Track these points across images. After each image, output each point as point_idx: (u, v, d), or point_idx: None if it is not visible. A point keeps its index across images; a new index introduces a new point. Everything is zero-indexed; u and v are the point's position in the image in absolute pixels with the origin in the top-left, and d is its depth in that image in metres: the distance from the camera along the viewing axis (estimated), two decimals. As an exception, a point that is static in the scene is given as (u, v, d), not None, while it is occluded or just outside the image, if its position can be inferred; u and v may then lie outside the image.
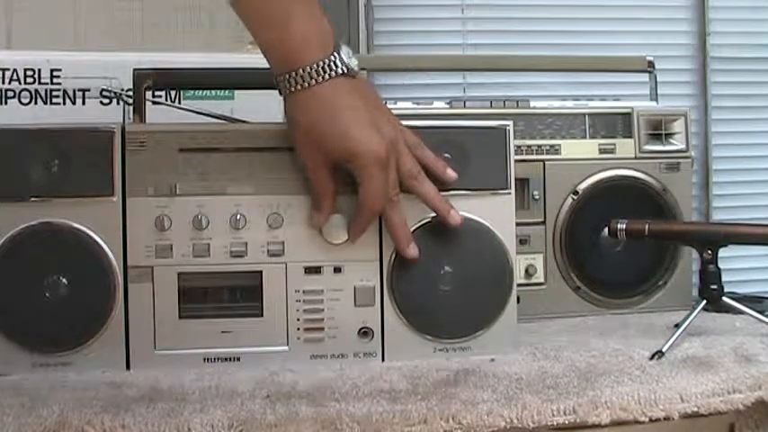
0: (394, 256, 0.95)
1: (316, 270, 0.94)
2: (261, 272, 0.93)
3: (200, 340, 0.92)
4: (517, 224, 1.21)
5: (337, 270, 0.94)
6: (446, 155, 0.97)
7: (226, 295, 0.93)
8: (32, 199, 0.90)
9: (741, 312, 1.04)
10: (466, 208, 0.96)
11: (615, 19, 1.77)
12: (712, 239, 1.04)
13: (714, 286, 1.02)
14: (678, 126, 1.27)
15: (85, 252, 0.91)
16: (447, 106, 1.24)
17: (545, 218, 1.22)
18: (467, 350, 0.97)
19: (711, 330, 1.05)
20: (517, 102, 1.25)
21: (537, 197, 1.22)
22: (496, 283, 0.98)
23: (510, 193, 0.99)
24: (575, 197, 1.22)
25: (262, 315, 0.93)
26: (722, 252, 1.03)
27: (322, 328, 0.94)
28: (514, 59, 1.49)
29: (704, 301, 1.02)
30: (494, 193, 0.98)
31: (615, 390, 0.83)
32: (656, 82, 1.36)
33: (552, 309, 1.21)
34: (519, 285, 1.20)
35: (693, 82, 1.80)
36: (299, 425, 0.76)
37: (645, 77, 1.37)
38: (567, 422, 0.80)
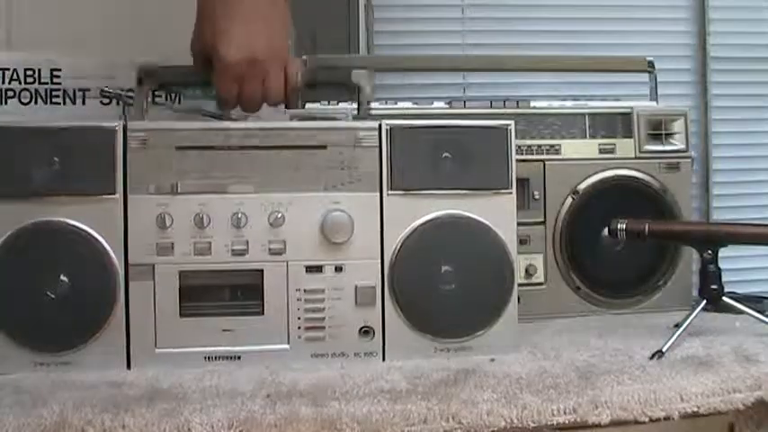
0: (395, 255, 0.95)
1: (317, 269, 0.94)
2: (262, 270, 0.93)
3: (201, 339, 0.92)
4: (517, 224, 1.21)
5: (338, 269, 0.94)
6: (446, 154, 0.97)
7: (227, 294, 0.93)
8: (34, 197, 0.90)
9: (741, 312, 1.04)
10: (467, 207, 0.96)
11: (615, 19, 1.77)
12: (712, 239, 1.04)
13: (714, 286, 1.02)
14: (678, 126, 1.27)
15: (86, 250, 0.90)
16: (447, 106, 1.24)
17: (545, 218, 1.22)
18: (467, 350, 0.97)
19: (711, 330, 1.05)
20: (517, 102, 1.25)
21: (537, 197, 1.22)
22: (497, 283, 0.98)
23: (511, 193, 0.99)
24: (575, 197, 1.22)
25: (263, 313, 0.93)
26: (722, 252, 1.03)
27: (323, 327, 0.94)
28: (514, 59, 1.49)
29: (704, 301, 1.02)
30: (495, 193, 0.98)
31: (615, 389, 0.83)
32: (656, 82, 1.36)
33: (552, 309, 1.21)
34: (519, 285, 1.21)
35: (693, 82, 1.80)
36: (299, 425, 0.76)
37: (645, 77, 1.37)
38: (567, 422, 0.80)
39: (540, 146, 1.23)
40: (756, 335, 1.02)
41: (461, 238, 0.96)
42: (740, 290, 1.22)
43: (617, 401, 0.81)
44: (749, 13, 1.83)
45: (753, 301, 1.20)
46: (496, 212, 0.97)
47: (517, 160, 1.14)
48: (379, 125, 0.96)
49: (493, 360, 0.95)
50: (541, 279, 1.22)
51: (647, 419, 0.82)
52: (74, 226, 0.90)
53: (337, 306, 0.94)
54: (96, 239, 0.91)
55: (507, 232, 0.98)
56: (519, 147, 1.21)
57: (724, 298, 1.03)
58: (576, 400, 0.81)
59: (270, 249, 0.93)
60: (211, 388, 0.84)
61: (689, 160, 1.27)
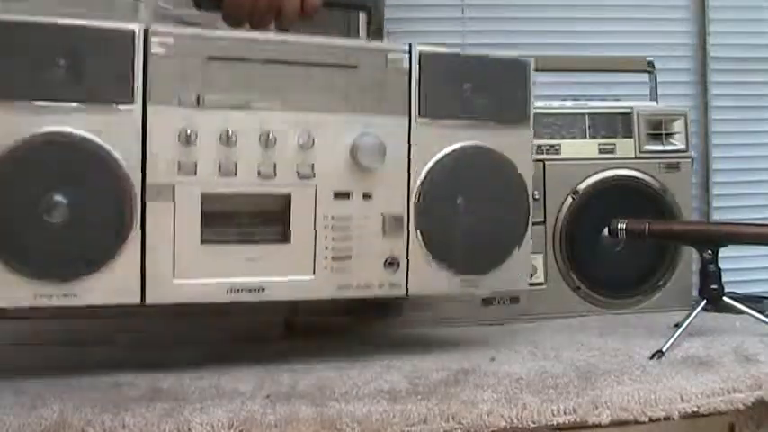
0: (422, 185, 0.92)
1: (345, 195, 0.89)
2: (289, 195, 0.87)
3: (223, 268, 0.85)
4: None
5: (366, 196, 0.89)
6: (472, 84, 0.94)
7: (251, 220, 0.86)
8: (39, 102, 0.78)
9: (741, 312, 1.04)
10: (489, 139, 0.94)
11: (615, 19, 1.77)
12: (712, 239, 1.04)
13: (714, 286, 1.02)
14: (678, 126, 1.27)
15: (98, 166, 0.80)
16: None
17: (545, 218, 1.22)
18: (485, 284, 0.96)
19: (711, 330, 1.05)
20: (517, 102, 1.24)
21: (537, 197, 1.22)
22: (517, 216, 0.97)
23: (529, 129, 0.97)
24: (575, 197, 1.22)
25: (288, 242, 0.87)
26: (722, 252, 1.03)
27: (349, 257, 0.89)
28: (514, 59, 1.48)
29: (704, 301, 1.02)
30: (515, 127, 0.96)
31: (615, 389, 0.83)
32: (656, 82, 1.36)
33: (552, 309, 1.21)
34: (519, 285, 1.21)
35: (693, 82, 1.80)
36: (299, 425, 0.76)
37: (645, 77, 1.37)
38: (567, 422, 0.80)
39: (539, 146, 1.23)
40: (756, 335, 1.02)
41: (485, 171, 0.94)
42: (740, 290, 1.23)
43: (617, 401, 0.81)
44: (749, 13, 1.84)
45: (753, 301, 1.20)
46: (516, 146, 0.96)
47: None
48: (410, 48, 0.92)
49: (493, 360, 0.95)
50: (541, 279, 1.22)
51: (647, 419, 0.82)
52: (85, 138, 0.79)
53: (364, 236, 0.89)
54: (110, 154, 0.80)
55: (526, 166, 0.96)
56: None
57: (724, 298, 1.03)
58: (576, 400, 0.81)
59: (299, 173, 0.86)
60: (211, 388, 0.84)
61: (689, 160, 1.27)
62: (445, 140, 0.93)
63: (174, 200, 0.82)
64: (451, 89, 0.94)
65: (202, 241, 0.84)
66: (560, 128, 1.25)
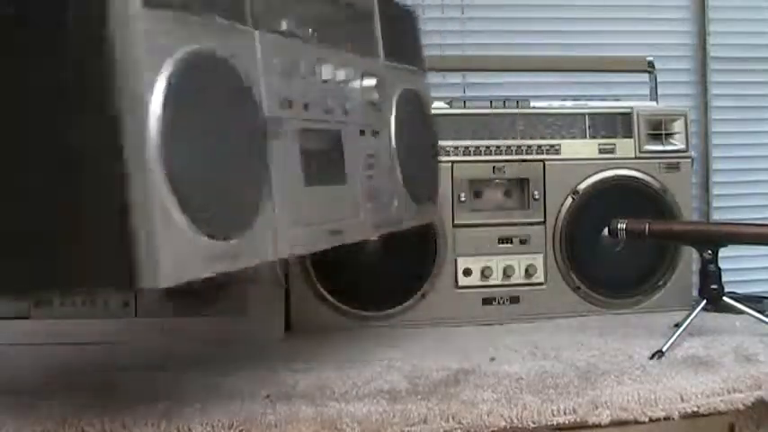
0: (394, 125, 0.92)
1: (362, 132, 0.87)
2: (340, 131, 0.82)
3: (321, 212, 0.77)
4: (517, 224, 1.22)
5: (375, 133, 0.89)
6: (400, 29, 0.98)
7: (323, 158, 0.80)
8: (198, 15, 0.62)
9: (741, 312, 1.04)
10: (416, 83, 1.00)
11: (615, 19, 1.76)
12: (712, 239, 1.04)
13: (714, 286, 1.02)
14: (678, 126, 1.27)
15: (242, 99, 0.67)
16: (447, 106, 1.24)
17: (545, 218, 1.22)
18: (434, 210, 1.03)
19: (711, 330, 1.05)
20: (517, 102, 1.25)
21: (537, 197, 1.22)
22: (436, 149, 1.05)
23: (426, 74, 1.04)
24: (575, 197, 1.22)
25: (346, 181, 0.82)
26: (722, 252, 1.03)
27: (377, 194, 0.88)
28: (514, 59, 1.48)
29: (704, 301, 1.02)
30: (422, 73, 1.03)
31: (615, 389, 0.83)
32: (655, 82, 1.36)
33: (552, 309, 1.21)
34: (519, 285, 1.21)
35: (693, 82, 1.79)
36: (299, 425, 0.76)
37: (645, 77, 1.37)
38: (567, 422, 0.80)
39: (540, 146, 1.23)
40: (756, 335, 1.02)
41: (423, 113, 1.01)
42: (740, 290, 1.22)
43: (617, 401, 0.81)
44: (749, 13, 1.83)
45: (753, 301, 1.20)
46: (426, 89, 1.04)
47: (517, 160, 1.19)
48: None
49: (493, 359, 0.95)
50: (541, 279, 1.22)
51: (647, 419, 0.82)
52: (227, 62, 0.64)
53: (382, 173, 0.89)
54: (247, 83, 0.67)
55: (431, 108, 1.05)
56: (519, 147, 1.21)
57: (724, 298, 1.03)
58: (576, 400, 0.81)
59: (344, 109, 0.83)
60: (211, 388, 0.84)
61: (689, 160, 1.27)
62: (399, 83, 0.95)
63: (283, 137, 0.72)
64: (397, 34, 0.97)
65: (306, 183, 0.75)
66: (560, 128, 1.25)
